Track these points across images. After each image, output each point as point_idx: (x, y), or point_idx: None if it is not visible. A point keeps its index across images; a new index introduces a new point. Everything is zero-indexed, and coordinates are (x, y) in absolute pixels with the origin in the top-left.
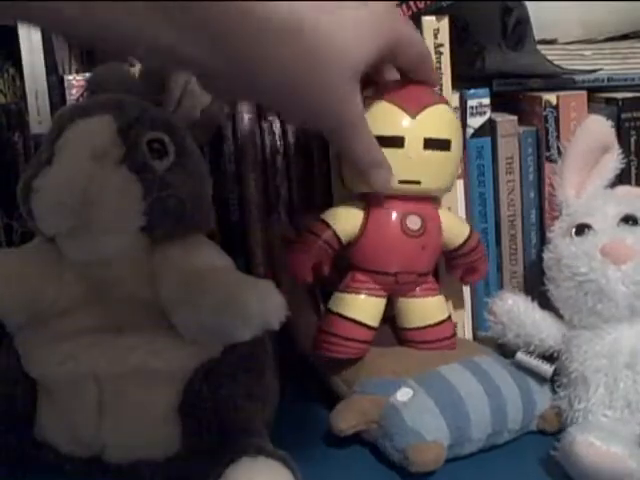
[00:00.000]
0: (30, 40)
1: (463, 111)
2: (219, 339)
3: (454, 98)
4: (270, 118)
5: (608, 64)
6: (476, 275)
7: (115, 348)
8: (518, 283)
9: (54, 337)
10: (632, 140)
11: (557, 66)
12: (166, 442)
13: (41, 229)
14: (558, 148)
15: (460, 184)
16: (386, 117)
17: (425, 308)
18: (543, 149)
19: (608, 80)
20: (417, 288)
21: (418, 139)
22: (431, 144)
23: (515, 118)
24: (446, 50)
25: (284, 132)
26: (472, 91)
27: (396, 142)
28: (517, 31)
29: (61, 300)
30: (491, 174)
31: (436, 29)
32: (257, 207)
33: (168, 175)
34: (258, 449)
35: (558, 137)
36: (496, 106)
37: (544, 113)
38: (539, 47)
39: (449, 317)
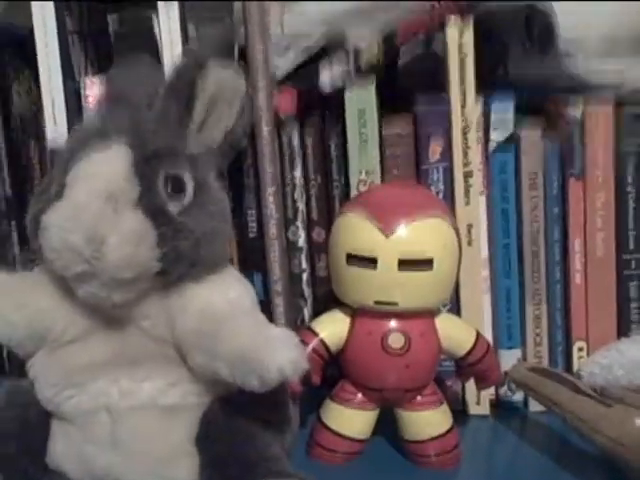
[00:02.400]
0: (46, 44)
1: (486, 125)
2: (234, 385)
3: (477, 109)
4: (289, 131)
5: (633, 77)
6: (485, 384)
7: (128, 380)
8: (540, 300)
9: (65, 367)
10: None
11: (582, 77)
12: (182, 475)
13: (50, 266)
14: (583, 163)
15: (482, 199)
16: (360, 235)
17: (422, 421)
18: (568, 164)
19: (633, 93)
20: (413, 400)
21: (392, 260)
22: (407, 265)
23: (539, 132)
24: (470, 56)
25: (303, 145)
26: (496, 104)
27: (369, 263)
28: (542, 38)
29: (72, 329)
30: (514, 189)
31: (461, 34)
32: (275, 222)
33: (185, 218)
34: (279, 473)
35: (583, 152)
36: (520, 112)
37: (569, 128)
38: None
39: (451, 429)
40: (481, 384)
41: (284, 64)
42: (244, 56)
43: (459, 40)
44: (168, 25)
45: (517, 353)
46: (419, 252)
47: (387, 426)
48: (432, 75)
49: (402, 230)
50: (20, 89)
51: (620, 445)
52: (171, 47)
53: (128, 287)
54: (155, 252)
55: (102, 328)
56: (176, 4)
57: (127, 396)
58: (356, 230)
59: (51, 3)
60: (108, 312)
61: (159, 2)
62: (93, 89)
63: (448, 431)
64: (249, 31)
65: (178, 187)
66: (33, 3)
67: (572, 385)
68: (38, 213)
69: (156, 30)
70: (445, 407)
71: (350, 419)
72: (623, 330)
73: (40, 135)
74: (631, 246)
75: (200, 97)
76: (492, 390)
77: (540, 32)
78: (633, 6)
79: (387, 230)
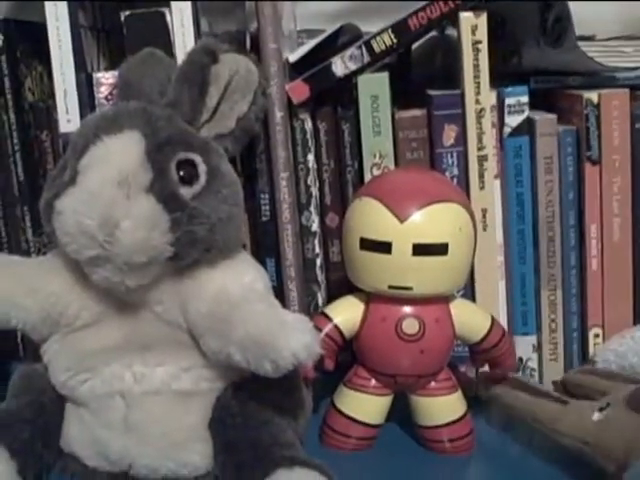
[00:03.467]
0: (59, 37)
1: (501, 109)
2: (247, 370)
3: (491, 96)
4: (302, 116)
5: None
6: (499, 369)
7: (142, 365)
8: (555, 286)
9: (78, 352)
10: None
11: (598, 63)
12: (196, 460)
13: (64, 251)
14: (599, 148)
15: (497, 184)
16: (374, 220)
17: (436, 407)
18: (583, 149)
19: None
20: (427, 386)
21: (406, 245)
22: (421, 250)
23: (554, 117)
24: (484, 47)
25: (316, 130)
26: (510, 89)
27: (383, 248)
28: (557, 28)
29: (85, 314)
30: (529, 174)
31: (474, 25)
32: (288, 207)
33: (198, 203)
34: (292, 459)
35: (599, 136)
36: (534, 104)
37: (585, 112)
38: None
39: (465, 415)
40: (495, 370)
41: (296, 52)
42: (256, 44)
43: (473, 25)
44: (181, 19)
45: (532, 339)
46: (434, 237)
47: (401, 412)
48: (446, 59)
49: (417, 215)
50: (33, 81)
51: (585, 444)
52: (184, 41)
53: (141, 271)
54: (168, 237)
55: (115, 313)
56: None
57: (141, 381)
58: (370, 215)
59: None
60: (121, 297)
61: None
62: (105, 82)
63: (462, 417)
64: (261, 21)
65: (191, 173)
66: None
67: (532, 389)
68: (52, 198)
69: (169, 25)
70: (459, 393)
71: (364, 404)
72: (639, 316)
73: (52, 125)
74: None
75: (213, 84)
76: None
77: (554, 21)
78: None
79: (402, 215)
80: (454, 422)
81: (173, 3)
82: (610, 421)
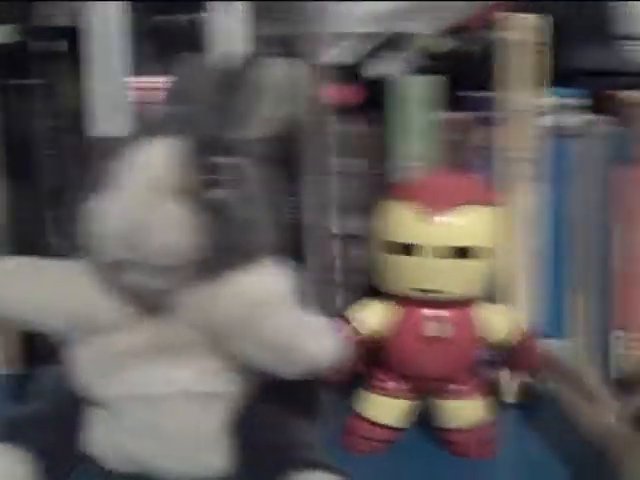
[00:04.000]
0: (96, 40)
1: (540, 111)
2: (267, 372)
3: (532, 95)
4: (333, 119)
5: None
6: (523, 372)
7: (165, 368)
8: (585, 288)
9: (102, 355)
10: None
11: None
12: (216, 463)
13: (93, 254)
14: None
15: (531, 187)
16: (404, 222)
17: (460, 410)
18: (627, 152)
19: None
20: (453, 389)
21: (435, 247)
22: (451, 252)
23: (599, 118)
24: (546, 49)
25: (346, 132)
26: (564, 90)
27: (411, 250)
28: (615, 28)
29: (110, 317)
30: (566, 176)
31: (532, 27)
32: (315, 210)
33: (226, 206)
34: (313, 463)
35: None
36: (588, 107)
37: (629, 113)
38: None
39: (488, 418)
40: (520, 372)
41: (345, 54)
42: (305, 49)
43: (531, 26)
44: (228, 23)
45: (557, 342)
46: (462, 240)
47: (423, 414)
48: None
49: (446, 217)
50: (67, 86)
51: None
52: (230, 45)
53: (169, 275)
54: (197, 240)
55: (140, 316)
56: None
57: (163, 384)
58: (400, 217)
59: (101, 2)
60: (147, 299)
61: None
62: (141, 87)
63: (485, 421)
64: (309, 24)
65: (220, 176)
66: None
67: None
68: (83, 201)
69: (210, 30)
70: (482, 396)
71: (387, 407)
72: None
73: (84, 130)
74: None
75: (259, 89)
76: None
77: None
78: None
79: (431, 217)
80: (477, 426)
81: (221, 6)
82: None
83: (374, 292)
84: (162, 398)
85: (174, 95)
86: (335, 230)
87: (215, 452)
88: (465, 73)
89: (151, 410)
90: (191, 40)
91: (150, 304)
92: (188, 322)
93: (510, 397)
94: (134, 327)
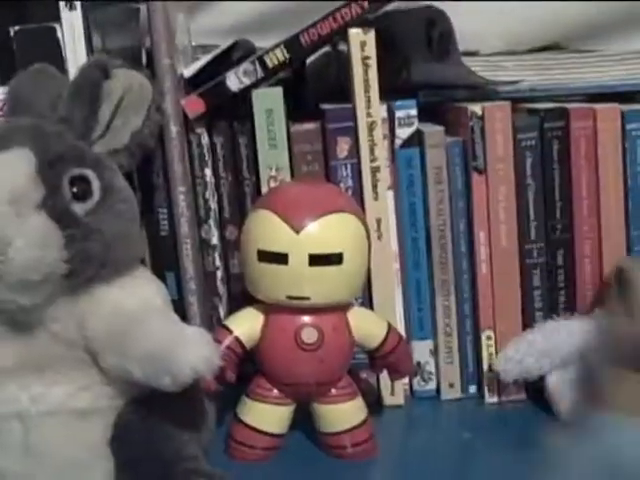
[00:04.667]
0: None
1: (391, 122)
2: (147, 386)
3: (382, 109)
4: (198, 131)
5: (529, 75)
6: (398, 375)
7: (38, 385)
8: (448, 291)
9: None
10: (555, 149)
11: (481, 77)
12: (98, 479)
13: None
14: (484, 158)
15: (390, 194)
16: (271, 232)
17: (338, 414)
18: (470, 159)
19: (530, 91)
20: (328, 393)
21: (302, 256)
22: (317, 260)
23: (442, 129)
24: (373, 62)
25: (212, 144)
26: (399, 102)
27: (280, 259)
28: (442, 43)
29: None
30: (420, 184)
31: (363, 41)
32: (187, 221)
33: (92, 219)
34: (194, 472)
35: (484, 147)
36: (423, 117)
37: (470, 124)
38: (462, 59)
39: (365, 420)
40: (394, 375)
41: (191, 67)
42: (151, 61)
43: (362, 41)
44: (72, 34)
45: (429, 344)
46: (329, 247)
47: (304, 420)
48: (339, 74)
49: (312, 226)
50: None
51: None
52: (75, 56)
53: (35, 290)
54: (62, 254)
55: (9, 333)
56: (79, 14)
57: (38, 402)
58: (267, 227)
59: None
60: (15, 316)
61: (63, 14)
62: None
63: (363, 422)
64: (154, 36)
65: (84, 189)
66: None
67: None
68: None
69: (60, 41)
70: (359, 399)
71: (267, 414)
72: (528, 317)
73: None
74: (532, 236)
75: (106, 100)
76: (406, 380)
77: (439, 37)
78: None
79: (297, 226)
80: (355, 427)
81: (63, 18)
82: None
83: (255, 300)
84: (37, 416)
85: (20, 105)
86: (214, 240)
87: (96, 469)
88: (306, 85)
89: (27, 430)
90: (44, 50)
91: (18, 321)
92: (60, 338)
93: (387, 399)
94: (3, 345)
